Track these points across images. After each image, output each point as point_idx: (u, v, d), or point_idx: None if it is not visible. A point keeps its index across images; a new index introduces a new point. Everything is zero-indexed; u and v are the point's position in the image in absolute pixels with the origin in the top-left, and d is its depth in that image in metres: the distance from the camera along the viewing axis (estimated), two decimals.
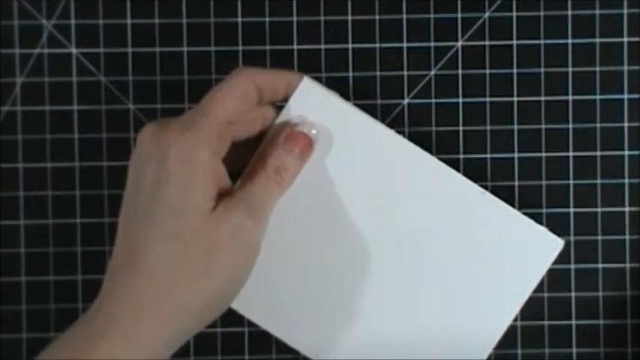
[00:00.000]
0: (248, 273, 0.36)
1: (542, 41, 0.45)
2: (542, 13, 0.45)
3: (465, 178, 0.39)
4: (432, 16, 0.46)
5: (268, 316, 0.40)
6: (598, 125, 0.46)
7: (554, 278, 0.45)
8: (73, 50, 0.46)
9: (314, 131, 0.38)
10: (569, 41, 0.45)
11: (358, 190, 0.39)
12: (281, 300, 0.39)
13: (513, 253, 0.39)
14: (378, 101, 0.45)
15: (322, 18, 0.46)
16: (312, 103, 0.38)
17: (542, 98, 0.46)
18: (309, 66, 0.45)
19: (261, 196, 0.36)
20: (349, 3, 0.46)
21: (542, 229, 0.39)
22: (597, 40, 0.45)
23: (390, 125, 0.45)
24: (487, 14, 0.46)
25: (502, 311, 0.39)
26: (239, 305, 0.38)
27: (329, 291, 0.39)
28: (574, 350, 0.46)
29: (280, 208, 0.37)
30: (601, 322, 0.46)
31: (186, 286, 0.34)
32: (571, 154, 0.45)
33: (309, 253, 0.39)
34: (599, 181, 0.45)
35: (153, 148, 0.35)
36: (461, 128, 0.45)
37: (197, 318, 0.35)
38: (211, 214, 0.35)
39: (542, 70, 0.45)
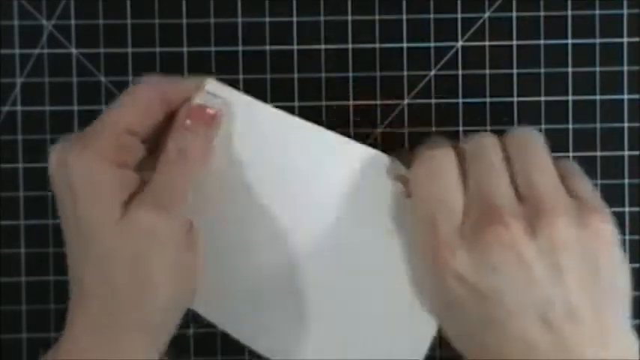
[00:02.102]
0: (182, 264, 0.35)
1: (542, 41, 0.45)
2: (542, 13, 0.45)
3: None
4: (432, 16, 0.46)
5: (222, 315, 0.39)
6: (598, 125, 0.46)
7: None
8: (73, 50, 0.46)
9: (208, 101, 0.37)
10: (569, 41, 0.45)
11: (282, 184, 0.38)
12: (232, 298, 0.39)
13: None
14: (378, 101, 0.45)
15: (322, 18, 0.46)
16: (219, 100, 0.37)
17: (542, 98, 0.46)
18: (309, 66, 0.45)
19: (167, 183, 0.35)
20: (349, 3, 0.46)
21: None
22: (597, 40, 0.45)
23: (391, 125, 0.45)
24: (487, 14, 0.46)
25: None
26: (196, 305, 0.38)
27: (271, 287, 0.38)
28: None
29: (207, 202, 0.36)
30: None
31: (131, 305, 0.34)
32: (571, 154, 0.45)
33: (247, 252, 0.38)
34: (599, 181, 0.45)
35: (59, 175, 0.35)
36: (461, 128, 0.45)
37: (158, 327, 0.35)
38: (121, 221, 0.34)
39: (542, 70, 0.45)
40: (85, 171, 0.34)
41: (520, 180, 0.33)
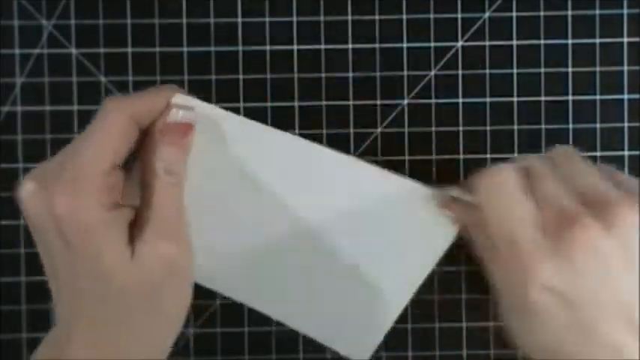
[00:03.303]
0: (190, 291, 0.36)
1: (542, 41, 0.45)
2: (542, 13, 0.45)
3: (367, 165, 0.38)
4: (432, 16, 0.46)
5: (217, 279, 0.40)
6: (598, 125, 0.46)
7: None
8: (73, 50, 0.46)
9: (180, 113, 0.36)
10: (569, 41, 0.45)
11: (250, 188, 0.38)
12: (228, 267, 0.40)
13: (412, 236, 0.39)
14: (378, 101, 0.45)
15: (322, 18, 0.46)
16: (189, 112, 0.37)
17: (542, 98, 0.46)
18: (309, 66, 0.45)
19: (170, 210, 0.35)
20: (349, 3, 0.46)
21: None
22: (597, 40, 0.45)
23: (391, 125, 0.46)
24: (487, 14, 0.46)
25: (399, 289, 0.40)
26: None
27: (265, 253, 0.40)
28: None
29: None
30: None
31: (136, 333, 0.34)
32: None
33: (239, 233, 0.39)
34: None
35: (45, 221, 0.33)
36: (461, 128, 0.45)
37: (168, 345, 0.36)
38: (132, 263, 0.33)
39: (542, 70, 0.45)
40: (80, 223, 0.33)
41: (577, 186, 0.34)
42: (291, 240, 0.39)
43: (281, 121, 0.45)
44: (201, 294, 0.40)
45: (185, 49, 0.46)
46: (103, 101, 0.34)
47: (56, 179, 0.33)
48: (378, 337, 0.40)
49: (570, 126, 0.46)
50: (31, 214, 0.34)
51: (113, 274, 0.33)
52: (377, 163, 0.45)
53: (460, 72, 0.45)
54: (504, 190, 0.34)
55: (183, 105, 0.36)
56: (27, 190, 0.34)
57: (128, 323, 0.34)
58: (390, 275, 0.39)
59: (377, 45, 0.46)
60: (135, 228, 0.34)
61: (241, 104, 0.45)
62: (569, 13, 0.45)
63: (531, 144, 0.45)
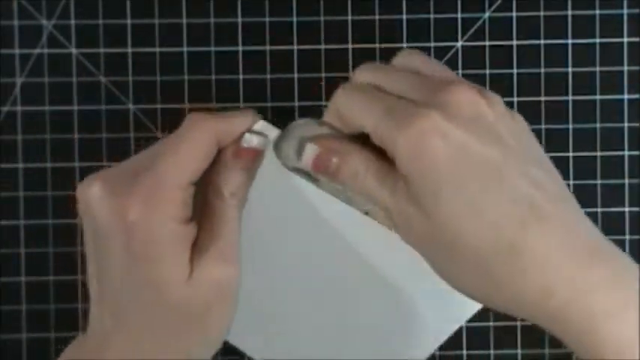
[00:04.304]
0: (235, 311, 0.36)
1: (542, 41, 0.45)
2: (542, 13, 0.45)
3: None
4: (432, 16, 0.46)
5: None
6: (598, 125, 0.46)
7: None
8: (73, 50, 0.46)
9: (255, 140, 0.36)
10: (569, 41, 0.45)
11: (300, 237, 0.38)
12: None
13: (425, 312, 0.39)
14: None
15: (322, 18, 0.46)
16: (262, 138, 0.37)
17: (542, 98, 0.46)
18: (309, 66, 0.45)
19: (228, 231, 0.35)
20: (349, 3, 0.46)
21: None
22: (597, 40, 0.45)
23: None
24: (487, 14, 0.46)
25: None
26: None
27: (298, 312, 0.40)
28: None
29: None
30: None
31: (175, 349, 0.34)
32: (571, 154, 0.45)
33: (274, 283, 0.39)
34: (599, 182, 0.45)
35: (113, 226, 0.33)
36: None
37: None
38: (190, 282, 0.34)
39: (542, 70, 0.45)
40: (151, 235, 0.33)
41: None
42: (328, 293, 0.39)
43: (281, 121, 0.45)
44: None
45: (185, 49, 0.46)
46: (187, 116, 0.35)
47: (128, 187, 0.33)
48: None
49: (570, 126, 0.46)
50: (99, 218, 0.33)
51: (168, 288, 0.33)
52: None
53: (460, 72, 0.45)
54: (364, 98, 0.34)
55: (260, 131, 0.36)
56: (94, 193, 0.33)
57: (168, 338, 0.34)
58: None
59: (377, 45, 0.46)
60: (196, 245, 0.34)
61: (241, 104, 0.45)
62: (569, 13, 0.45)
63: None
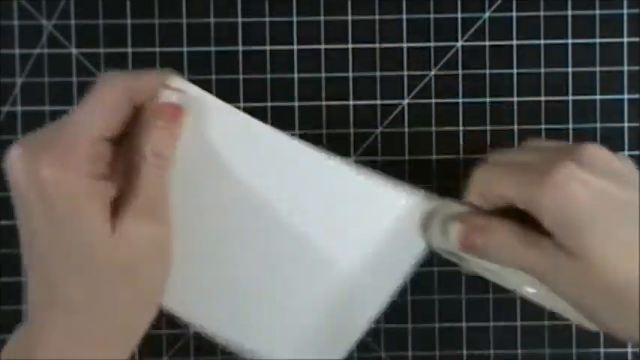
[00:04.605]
0: (168, 271, 0.36)
1: (542, 41, 0.45)
2: (542, 13, 0.45)
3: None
4: (432, 16, 0.46)
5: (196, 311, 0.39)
6: (598, 125, 0.46)
7: None
8: (73, 50, 0.46)
9: (174, 96, 0.36)
10: (569, 41, 0.45)
11: (234, 181, 0.37)
12: (206, 294, 0.39)
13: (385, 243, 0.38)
14: (378, 101, 0.45)
15: (322, 18, 0.46)
16: (183, 96, 0.36)
17: (542, 98, 0.46)
18: (309, 66, 0.45)
19: (154, 191, 0.35)
20: (349, 3, 0.46)
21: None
22: (597, 40, 0.45)
23: (391, 125, 0.46)
24: (487, 14, 0.46)
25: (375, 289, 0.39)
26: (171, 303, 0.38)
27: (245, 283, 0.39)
28: (574, 350, 0.46)
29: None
30: None
31: (112, 313, 0.34)
32: None
33: (218, 247, 0.38)
34: None
35: (29, 186, 0.33)
36: (461, 128, 0.45)
37: (132, 331, 0.36)
38: (114, 235, 0.34)
39: (542, 70, 0.45)
40: (65, 189, 0.33)
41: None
42: (264, 243, 0.38)
43: (281, 121, 0.45)
44: None
45: (185, 49, 0.46)
46: (97, 76, 0.35)
47: (44, 145, 0.33)
48: (350, 341, 0.40)
49: (570, 126, 0.46)
50: (17, 179, 0.33)
51: (92, 246, 0.33)
52: (377, 163, 0.45)
53: (460, 72, 0.45)
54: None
55: (179, 89, 0.36)
56: (13, 155, 0.33)
57: (103, 299, 0.34)
58: (364, 282, 0.39)
59: (377, 45, 0.46)
60: (118, 205, 0.34)
61: (241, 104, 0.45)
62: (569, 13, 0.45)
63: None
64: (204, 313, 0.39)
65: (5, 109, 0.46)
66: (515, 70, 0.45)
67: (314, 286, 0.39)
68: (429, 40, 0.46)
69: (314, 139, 0.38)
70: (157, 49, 0.46)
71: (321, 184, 0.38)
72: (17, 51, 0.45)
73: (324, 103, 0.45)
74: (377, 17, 0.46)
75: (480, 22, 0.45)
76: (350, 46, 0.46)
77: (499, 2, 0.45)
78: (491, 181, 0.35)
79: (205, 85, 0.45)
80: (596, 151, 0.33)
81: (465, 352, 0.46)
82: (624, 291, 0.32)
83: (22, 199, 0.34)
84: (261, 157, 0.37)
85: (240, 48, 0.46)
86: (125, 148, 0.35)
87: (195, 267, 0.38)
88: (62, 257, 0.34)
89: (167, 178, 0.35)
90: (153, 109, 0.35)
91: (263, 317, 0.39)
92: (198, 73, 0.45)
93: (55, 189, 0.33)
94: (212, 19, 0.46)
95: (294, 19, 0.46)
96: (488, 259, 0.35)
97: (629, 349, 0.46)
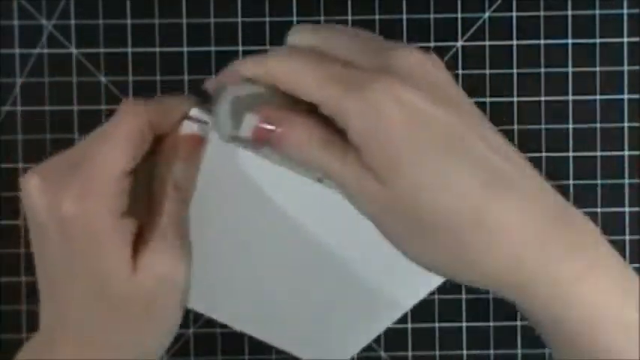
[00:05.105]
0: (186, 301, 0.35)
1: (542, 41, 0.45)
2: (542, 13, 0.45)
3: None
4: (432, 16, 0.46)
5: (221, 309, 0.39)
6: (598, 125, 0.46)
7: None
8: (73, 50, 0.46)
9: (195, 127, 0.34)
10: (569, 41, 0.45)
11: (257, 210, 0.38)
12: (230, 293, 0.39)
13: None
14: None
15: (322, 18, 0.46)
16: (203, 125, 0.35)
17: (542, 98, 0.46)
18: None
19: (176, 227, 0.34)
20: (349, 3, 0.46)
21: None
22: (597, 40, 0.45)
23: None
24: (487, 14, 0.46)
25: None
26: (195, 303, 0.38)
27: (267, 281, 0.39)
28: None
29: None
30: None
31: (126, 344, 0.34)
32: (571, 154, 0.45)
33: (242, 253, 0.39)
34: (599, 181, 0.45)
35: (48, 219, 0.32)
36: None
37: (148, 356, 0.35)
38: (133, 277, 0.33)
39: (542, 70, 0.45)
40: (87, 227, 0.32)
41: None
42: (289, 251, 0.38)
43: None
44: None
45: (185, 49, 0.46)
46: (121, 103, 0.33)
47: (65, 178, 0.32)
48: (367, 338, 0.40)
49: (570, 126, 0.46)
50: (36, 210, 0.33)
51: (110, 281, 0.33)
52: None
53: (460, 72, 0.45)
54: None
55: (200, 118, 0.35)
56: (32, 185, 0.32)
57: (118, 335, 0.34)
58: (393, 280, 0.39)
59: None
60: (140, 240, 0.33)
61: None
62: (569, 13, 0.45)
63: (531, 144, 0.45)
64: (228, 312, 0.40)
65: (5, 108, 0.46)
66: (515, 70, 0.45)
67: (333, 287, 0.39)
68: (429, 40, 0.46)
69: None
70: (157, 49, 0.46)
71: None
72: (17, 51, 0.45)
73: None
74: (377, 17, 0.46)
75: (479, 22, 0.45)
76: None
77: (499, 2, 0.45)
78: (294, 76, 0.31)
79: None
80: (413, 61, 0.30)
81: (464, 352, 0.46)
82: (434, 225, 0.29)
83: (40, 230, 0.33)
84: (280, 181, 0.37)
85: (240, 48, 0.46)
86: (143, 175, 0.34)
87: (219, 270, 0.38)
88: (78, 289, 0.33)
89: (187, 211, 0.35)
90: (175, 140, 0.34)
91: (283, 315, 0.40)
92: (199, 73, 0.45)
93: (77, 226, 0.32)
94: (212, 19, 0.46)
95: (294, 18, 0.46)
96: (283, 154, 0.32)
97: None
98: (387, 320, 0.40)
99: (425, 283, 0.39)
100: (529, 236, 0.30)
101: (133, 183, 0.34)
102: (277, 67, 0.31)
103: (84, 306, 0.33)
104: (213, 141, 0.35)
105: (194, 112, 0.35)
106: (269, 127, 0.31)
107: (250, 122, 0.32)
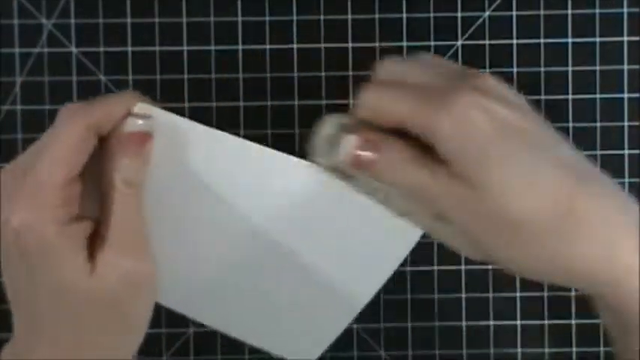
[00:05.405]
0: (155, 296, 0.35)
1: (542, 40, 0.45)
2: (542, 13, 0.45)
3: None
4: (432, 15, 0.46)
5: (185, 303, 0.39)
6: (598, 125, 0.46)
7: None
8: (73, 49, 0.46)
9: (140, 122, 0.34)
10: (569, 41, 0.46)
11: (210, 200, 0.37)
12: (193, 287, 0.39)
13: (368, 242, 0.38)
14: None
15: (322, 18, 0.46)
16: (149, 120, 0.35)
17: (542, 97, 0.46)
18: (309, 65, 0.45)
19: (129, 222, 0.34)
20: (349, 3, 0.46)
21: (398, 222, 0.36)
22: (597, 40, 0.45)
23: None
24: (487, 14, 0.46)
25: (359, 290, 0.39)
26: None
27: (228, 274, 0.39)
28: (574, 350, 0.46)
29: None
30: (601, 321, 0.46)
31: (99, 344, 0.34)
32: None
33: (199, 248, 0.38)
34: None
35: (5, 234, 0.32)
36: None
37: (121, 355, 0.35)
38: (93, 278, 0.33)
39: (542, 69, 0.45)
40: (38, 239, 0.32)
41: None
42: (247, 249, 0.38)
43: (281, 120, 0.45)
44: None
45: (185, 48, 0.46)
46: (62, 107, 0.33)
47: (13, 192, 0.32)
48: (329, 338, 0.40)
49: (570, 125, 0.46)
50: None
51: (72, 289, 0.33)
52: None
53: None
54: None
55: (143, 114, 0.35)
56: None
57: (90, 336, 0.34)
58: (348, 277, 0.38)
59: (377, 44, 0.46)
60: (95, 241, 0.33)
61: (241, 103, 0.45)
62: (569, 12, 0.45)
63: None
64: (199, 311, 0.39)
65: (5, 107, 0.46)
66: (515, 70, 0.45)
67: (296, 282, 0.38)
68: (429, 40, 0.46)
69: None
70: (157, 48, 0.46)
71: (292, 186, 0.37)
72: (17, 50, 0.45)
73: (323, 102, 0.45)
74: (377, 17, 0.46)
75: (479, 21, 0.46)
76: (350, 45, 0.46)
77: (499, 1, 0.45)
78: (383, 102, 0.33)
79: (205, 85, 0.45)
80: (491, 80, 0.33)
81: (464, 352, 0.46)
82: (520, 224, 0.31)
83: (1, 244, 0.33)
84: (230, 168, 0.37)
85: (240, 47, 0.46)
86: (92, 176, 0.34)
87: (187, 268, 0.38)
88: (43, 299, 0.33)
89: (139, 207, 0.34)
90: (119, 138, 0.34)
91: (249, 311, 0.39)
92: (198, 71, 0.45)
93: (29, 239, 0.32)
94: (212, 18, 0.46)
95: (294, 17, 0.46)
96: (376, 177, 0.33)
97: None
98: (345, 319, 0.39)
99: (377, 277, 0.39)
100: (620, 227, 0.31)
101: (86, 183, 0.33)
102: (367, 97, 0.33)
103: (51, 315, 0.33)
104: (162, 135, 0.35)
105: (138, 107, 0.35)
106: (365, 152, 0.33)
107: (347, 145, 0.33)
